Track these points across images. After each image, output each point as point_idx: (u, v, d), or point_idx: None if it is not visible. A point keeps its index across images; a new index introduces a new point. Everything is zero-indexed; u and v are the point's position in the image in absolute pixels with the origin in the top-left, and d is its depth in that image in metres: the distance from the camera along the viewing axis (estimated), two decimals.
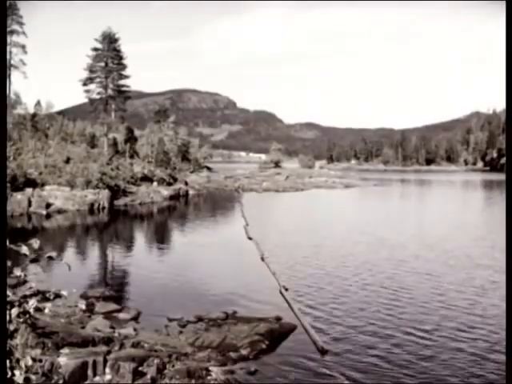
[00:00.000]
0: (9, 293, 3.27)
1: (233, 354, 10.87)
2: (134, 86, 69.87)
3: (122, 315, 13.68)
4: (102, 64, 61.55)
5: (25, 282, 3.45)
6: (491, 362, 10.58)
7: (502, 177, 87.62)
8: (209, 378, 9.63)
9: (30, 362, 3.31)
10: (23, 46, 54.14)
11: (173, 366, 9.75)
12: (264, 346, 11.36)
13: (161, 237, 31.00)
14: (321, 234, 28.52)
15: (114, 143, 68.73)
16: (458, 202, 52.62)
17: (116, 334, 11.54)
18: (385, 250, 23.41)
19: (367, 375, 10.00)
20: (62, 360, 8.76)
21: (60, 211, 37.63)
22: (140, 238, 31.36)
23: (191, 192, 58.68)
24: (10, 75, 53.06)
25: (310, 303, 14.83)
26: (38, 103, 68.81)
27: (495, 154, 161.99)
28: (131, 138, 74.85)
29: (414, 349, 11.37)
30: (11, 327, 3.27)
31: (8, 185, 32.96)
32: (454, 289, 16.48)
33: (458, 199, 58.34)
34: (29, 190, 37.32)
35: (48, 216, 35.79)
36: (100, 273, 19.99)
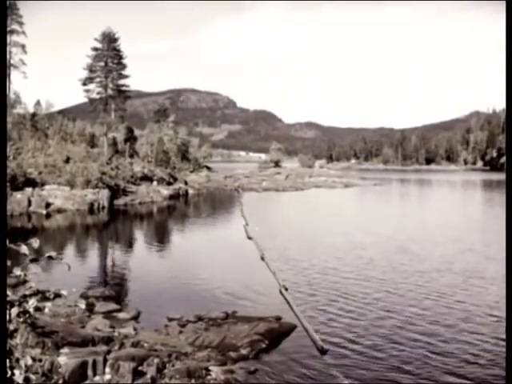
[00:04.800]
0: (9, 292, 3.27)
1: (233, 354, 10.87)
2: (133, 86, 69.95)
3: (121, 315, 13.69)
4: (102, 64, 61.57)
5: (25, 281, 3.44)
6: None
7: (501, 176, 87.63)
8: (209, 377, 9.63)
9: (29, 362, 3.31)
10: (23, 46, 54.11)
11: (173, 365, 9.75)
12: (264, 346, 11.36)
13: (161, 236, 31.00)
14: (310, 236, 28.40)
15: (114, 143, 68.75)
16: (455, 203, 52.63)
17: (116, 334, 11.54)
18: (351, 252, 22.63)
19: None
20: (62, 359, 8.75)
21: (60, 211, 37.63)
22: (140, 237, 31.35)
23: (191, 191, 58.69)
24: (9, 75, 53.07)
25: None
26: (38, 103, 68.92)
27: (495, 154, 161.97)
28: (131, 138, 74.86)
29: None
30: (11, 327, 3.27)
31: (8, 184, 32.95)
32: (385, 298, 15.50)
33: (456, 200, 58.30)
34: (28, 190, 37.33)
35: (48, 215, 35.80)
36: (100, 272, 20.00)
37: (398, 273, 18.73)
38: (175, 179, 59.21)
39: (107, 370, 9.06)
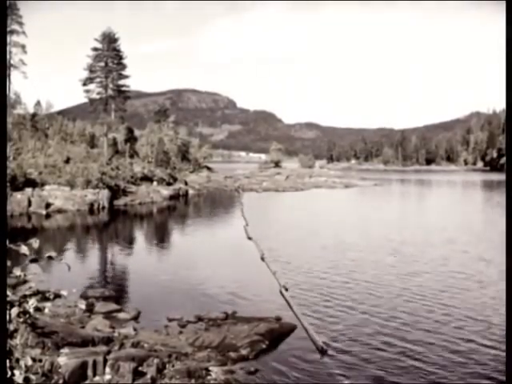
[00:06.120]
0: (9, 293, 3.26)
1: (233, 354, 10.86)
2: (133, 86, 69.96)
3: (121, 315, 13.68)
4: (102, 64, 61.58)
5: (25, 281, 3.44)
6: None
7: (501, 177, 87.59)
8: (209, 377, 9.63)
9: (29, 362, 3.30)
10: (23, 46, 54.07)
11: (173, 365, 9.75)
12: (264, 346, 11.36)
13: (161, 237, 31.00)
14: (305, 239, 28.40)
15: (114, 143, 68.75)
16: (455, 204, 52.58)
17: (116, 334, 11.54)
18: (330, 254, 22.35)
19: None
20: (62, 360, 8.75)
21: (60, 211, 37.61)
22: (140, 237, 31.36)
23: (191, 192, 58.68)
24: (9, 75, 53.05)
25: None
26: (38, 103, 68.92)
27: (495, 154, 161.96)
28: (131, 138, 74.89)
29: None
30: (11, 327, 3.27)
31: (8, 185, 32.95)
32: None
33: (456, 200, 58.24)
34: (28, 190, 37.31)
35: (48, 216, 35.79)
36: (100, 273, 19.99)
37: (386, 275, 18.54)
38: (175, 179, 59.22)
39: (107, 370, 9.06)
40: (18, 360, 3.25)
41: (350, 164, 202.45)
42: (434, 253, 22.70)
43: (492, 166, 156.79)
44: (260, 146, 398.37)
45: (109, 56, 61.33)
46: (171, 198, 50.14)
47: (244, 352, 10.99)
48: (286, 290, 15.82)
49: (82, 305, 13.68)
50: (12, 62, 53.15)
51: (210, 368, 9.99)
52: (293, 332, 12.36)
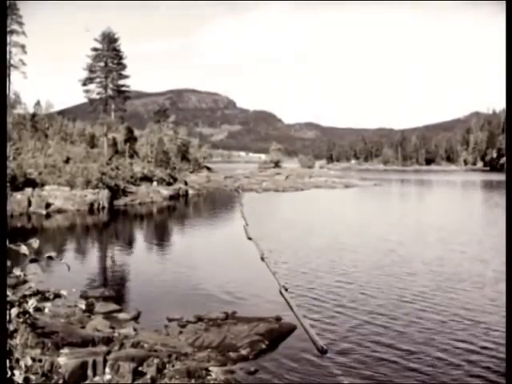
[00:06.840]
0: (9, 293, 3.26)
1: (232, 354, 10.86)
2: (133, 86, 69.89)
3: (121, 315, 13.68)
4: (102, 64, 61.59)
5: (24, 281, 3.43)
6: None
7: (501, 177, 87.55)
8: (208, 377, 9.63)
9: (29, 362, 3.30)
10: (23, 46, 54.16)
11: (172, 365, 9.75)
12: (264, 346, 11.35)
13: (160, 237, 31.00)
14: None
15: (114, 143, 68.66)
16: (454, 204, 52.58)
17: (116, 334, 11.53)
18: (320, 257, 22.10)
19: None
20: (62, 360, 8.75)
21: (60, 211, 37.62)
22: (140, 237, 31.35)
23: (191, 192, 58.66)
24: (9, 75, 53.07)
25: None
26: (38, 103, 68.81)
27: (495, 154, 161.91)
28: (131, 138, 74.79)
29: None
30: (11, 327, 3.26)
31: (8, 185, 32.93)
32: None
33: (455, 200, 58.23)
34: (28, 190, 37.32)
35: (48, 216, 35.79)
36: (100, 273, 19.99)
37: (384, 275, 18.48)
38: (175, 180, 59.18)
39: (107, 370, 9.06)
40: (17, 360, 3.24)
41: (350, 164, 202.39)
42: (432, 253, 22.70)
43: (492, 166, 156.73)
44: (260, 146, 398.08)
45: (109, 56, 61.35)
46: (171, 198, 50.14)
47: (244, 352, 10.99)
48: (286, 290, 15.82)
49: (82, 305, 13.73)
50: (12, 61, 53.21)
51: (210, 368, 9.99)
52: (293, 332, 12.36)
